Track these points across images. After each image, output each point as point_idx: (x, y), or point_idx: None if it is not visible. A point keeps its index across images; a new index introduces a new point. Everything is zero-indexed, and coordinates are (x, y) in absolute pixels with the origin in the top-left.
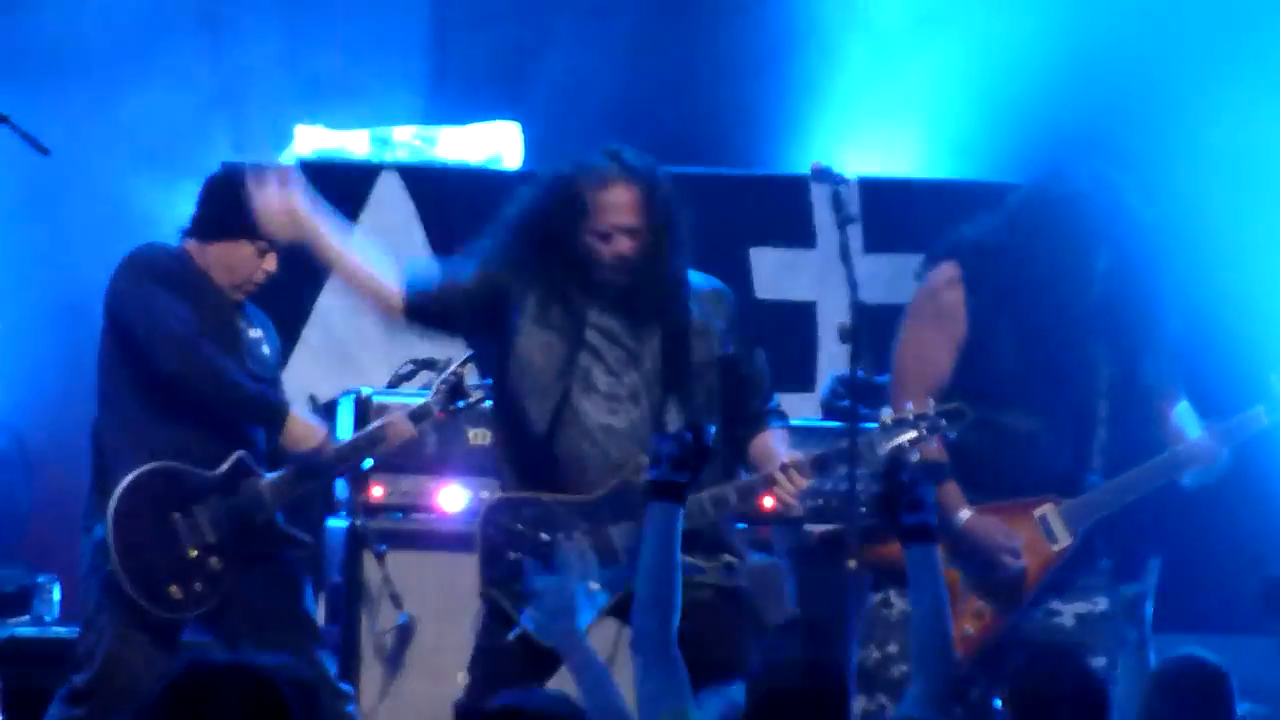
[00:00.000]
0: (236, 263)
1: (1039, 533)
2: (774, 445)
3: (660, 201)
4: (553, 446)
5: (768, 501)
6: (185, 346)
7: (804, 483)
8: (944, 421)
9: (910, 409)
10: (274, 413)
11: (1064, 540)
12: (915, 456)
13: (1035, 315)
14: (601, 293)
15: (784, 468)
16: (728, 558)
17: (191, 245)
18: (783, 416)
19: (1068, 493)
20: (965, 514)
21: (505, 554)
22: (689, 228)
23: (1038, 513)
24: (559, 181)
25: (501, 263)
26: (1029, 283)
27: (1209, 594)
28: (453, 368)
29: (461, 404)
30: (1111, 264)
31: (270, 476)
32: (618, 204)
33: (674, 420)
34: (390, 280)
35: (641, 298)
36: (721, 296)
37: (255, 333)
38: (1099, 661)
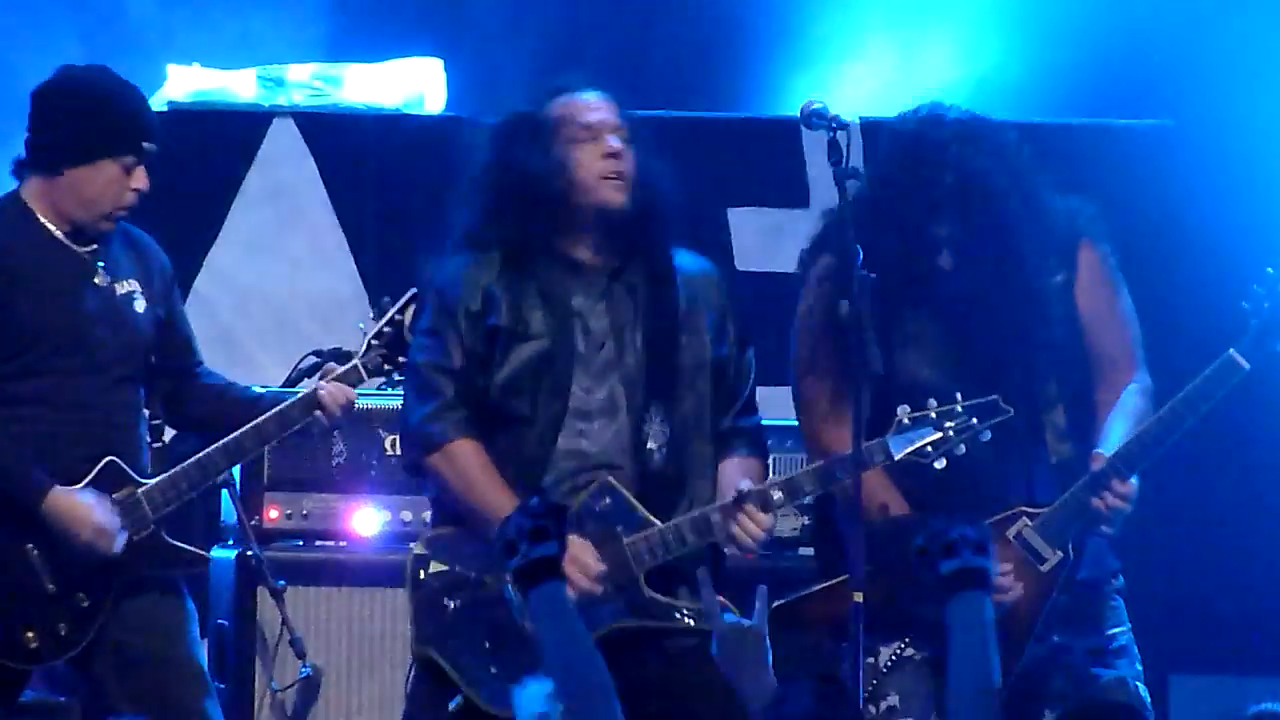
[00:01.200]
0: (98, 190)
1: (1021, 555)
2: (734, 480)
3: (636, 137)
4: (506, 471)
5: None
6: None
7: (764, 526)
8: (975, 420)
9: (934, 404)
10: (31, 488)
11: (1052, 558)
12: (941, 464)
13: (916, 293)
14: (599, 230)
15: (739, 499)
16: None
17: (31, 186)
18: (758, 441)
19: (1022, 500)
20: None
21: (443, 604)
22: (672, 184)
23: (1011, 532)
24: (516, 118)
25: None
26: (896, 253)
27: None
28: (390, 312)
29: (404, 359)
30: (962, 233)
31: (151, 482)
32: (591, 104)
33: (657, 435)
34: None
35: (641, 231)
36: (712, 282)
37: (125, 286)
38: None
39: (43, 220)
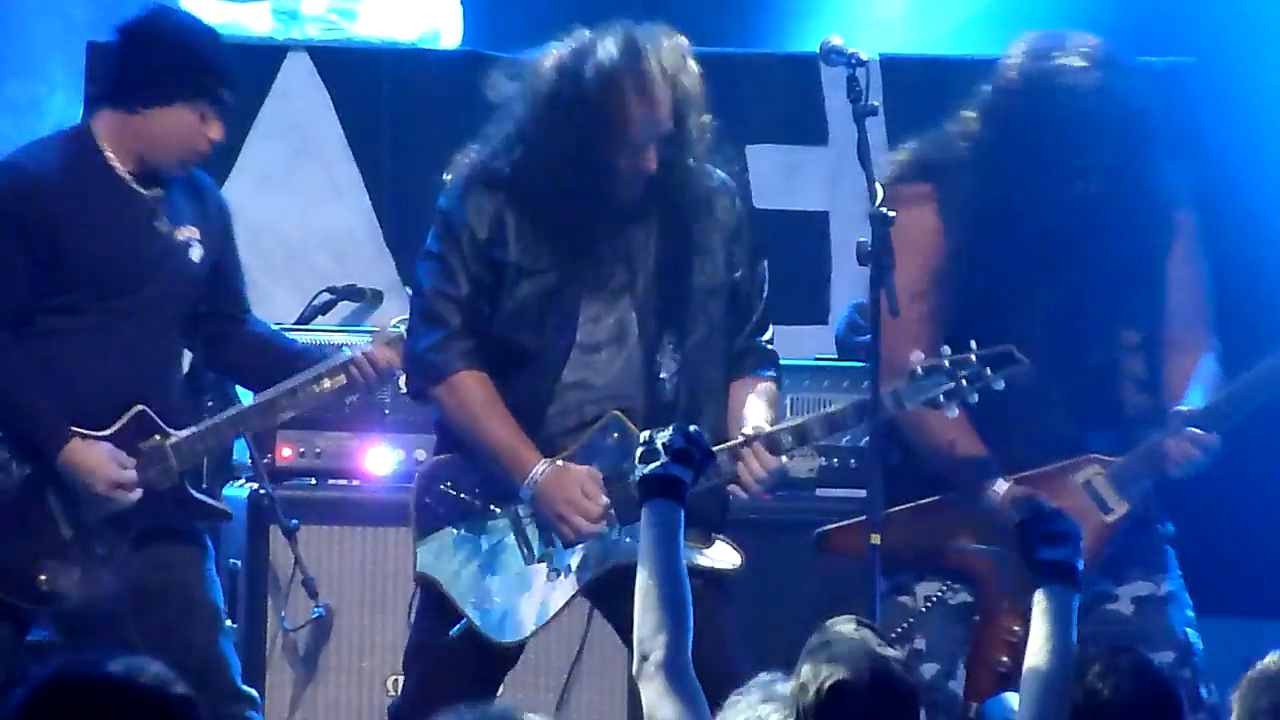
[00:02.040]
0: (173, 133)
1: (1087, 502)
2: (746, 404)
3: (685, 91)
4: (510, 402)
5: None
6: None
7: (769, 467)
8: (988, 370)
9: (948, 352)
10: (50, 437)
11: (1119, 508)
12: (954, 413)
13: (1021, 229)
14: (607, 206)
15: (746, 440)
16: (720, 540)
17: (104, 121)
18: (772, 359)
19: (1092, 448)
20: (1002, 485)
21: (446, 529)
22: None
23: (1080, 478)
24: (579, 90)
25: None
26: (1007, 189)
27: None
28: None
29: None
30: (1114, 163)
31: (181, 434)
32: (646, 108)
33: (669, 364)
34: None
35: (653, 201)
36: (728, 194)
37: (185, 232)
38: (1165, 657)
39: (110, 157)
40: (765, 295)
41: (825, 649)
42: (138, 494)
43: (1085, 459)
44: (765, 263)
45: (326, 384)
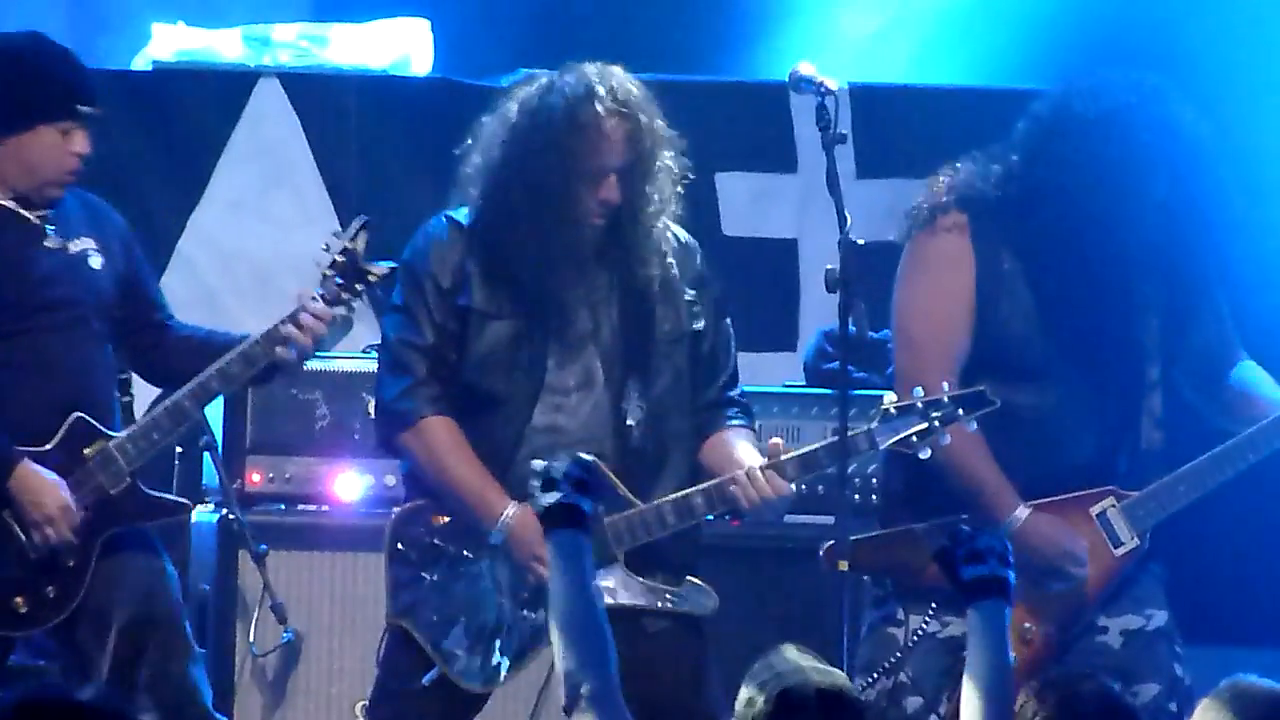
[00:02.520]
0: (37, 157)
1: (1099, 534)
2: (734, 450)
3: (648, 130)
4: (480, 449)
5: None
6: None
7: (781, 491)
8: (960, 410)
9: (920, 394)
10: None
11: (1130, 542)
12: (925, 454)
13: (1056, 265)
14: (570, 246)
15: (762, 468)
16: (692, 580)
17: None
18: (747, 410)
19: (1107, 481)
20: (1023, 512)
21: (421, 577)
22: (672, 155)
23: (1096, 509)
24: (541, 118)
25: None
26: (1051, 228)
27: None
28: (343, 241)
29: (362, 288)
30: (1168, 196)
31: (122, 434)
32: (606, 138)
33: (635, 410)
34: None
35: (615, 247)
36: (689, 252)
37: (79, 244)
38: (1150, 690)
39: None
40: (733, 351)
41: (768, 669)
42: (66, 530)
43: (1103, 491)
44: (729, 320)
45: (252, 356)
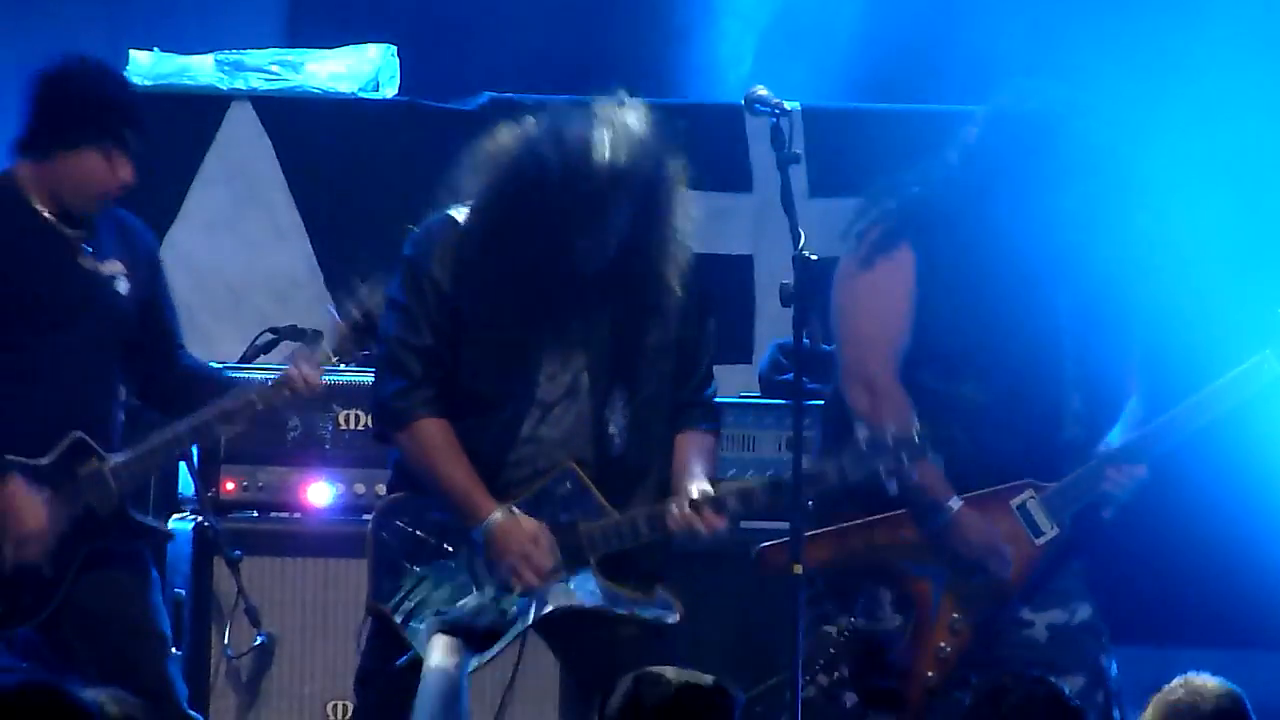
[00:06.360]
0: (83, 176)
1: (1019, 525)
2: (690, 460)
3: (653, 180)
4: (470, 451)
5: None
6: None
7: (717, 526)
8: (929, 451)
9: (892, 432)
10: None
11: (1050, 532)
12: (894, 489)
13: (992, 266)
14: (565, 278)
15: (693, 504)
16: (661, 591)
17: (23, 168)
18: (714, 414)
19: (1037, 474)
20: (955, 503)
21: (402, 565)
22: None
23: (1015, 501)
24: (544, 174)
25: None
26: (986, 228)
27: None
28: (366, 304)
29: (368, 350)
30: (1079, 202)
31: (118, 458)
32: (607, 201)
33: (618, 419)
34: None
35: (609, 279)
36: (687, 260)
37: (110, 267)
38: (1076, 682)
39: (32, 201)
40: (712, 351)
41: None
42: (37, 549)
43: (1021, 484)
44: (712, 320)
45: (258, 403)
